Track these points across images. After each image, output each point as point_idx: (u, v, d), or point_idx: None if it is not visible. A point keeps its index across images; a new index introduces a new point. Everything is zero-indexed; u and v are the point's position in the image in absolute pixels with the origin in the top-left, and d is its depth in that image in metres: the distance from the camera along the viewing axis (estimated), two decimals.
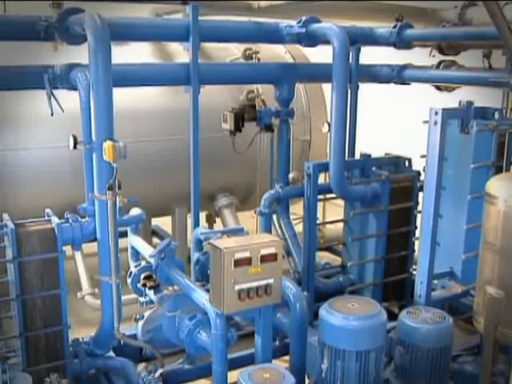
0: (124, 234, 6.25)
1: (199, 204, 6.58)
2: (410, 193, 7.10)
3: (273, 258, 4.53)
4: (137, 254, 6.36)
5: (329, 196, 7.25)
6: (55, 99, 5.77)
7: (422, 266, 6.14)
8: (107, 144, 4.94)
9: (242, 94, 8.01)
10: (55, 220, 5.40)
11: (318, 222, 7.11)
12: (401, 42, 7.26)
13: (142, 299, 6.00)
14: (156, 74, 6.54)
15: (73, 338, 5.92)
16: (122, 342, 6.26)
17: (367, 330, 4.33)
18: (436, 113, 5.83)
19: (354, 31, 7.19)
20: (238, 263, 4.39)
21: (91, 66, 5.04)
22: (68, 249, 6.27)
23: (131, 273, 6.12)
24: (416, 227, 7.23)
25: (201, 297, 4.93)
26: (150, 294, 5.87)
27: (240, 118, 6.99)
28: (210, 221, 9.59)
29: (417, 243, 7.01)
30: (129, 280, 6.13)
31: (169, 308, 5.30)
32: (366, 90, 7.80)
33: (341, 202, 7.80)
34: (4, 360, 4.43)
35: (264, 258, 4.48)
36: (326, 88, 8.95)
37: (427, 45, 7.79)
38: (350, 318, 4.35)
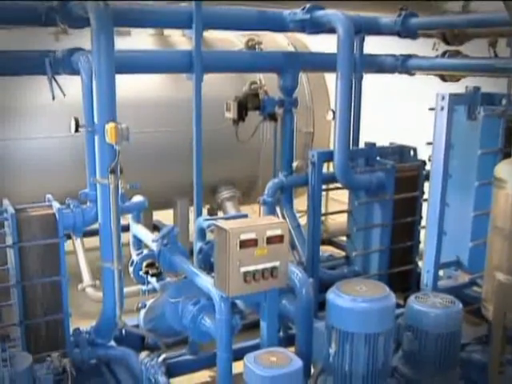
0: (125, 229, 6.16)
1: (202, 194, 6.47)
2: (416, 182, 7.01)
3: (279, 239, 4.44)
4: (139, 243, 6.26)
5: (333, 186, 7.17)
6: (57, 83, 5.67)
7: (429, 255, 6.06)
8: (110, 126, 4.86)
9: (244, 85, 7.90)
10: (56, 205, 5.31)
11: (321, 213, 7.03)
12: (405, 31, 7.18)
13: (144, 287, 5.92)
14: (158, 61, 6.43)
15: (74, 328, 5.83)
16: (123, 332, 6.19)
17: (376, 312, 4.23)
18: (443, 98, 5.75)
19: (358, 20, 7.09)
20: (244, 244, 4.29)
21: (94, 48, 4.97)
22: (69, 243, 6.22)
23: (133, 261, 6.02)
24: (421, 217, 7.14)
25: (205, 281, 4.83)
26: (153, 281, 5.78)
27: (243, 107, 6.89)
28: (212, 214, 9.48)
29: (422, 233, 6.93)
30: (131, 269, 6.04)
31: (172, 294, 5.19)
32: (371, 80, 7.71)
33: (343, 197, 7.73)
34: (3, 339, 4.32)
35: (270, 240, 4.39)
36: (329, 79, 8.92)
37: (431, 35, 7.71)
38: (358, 299, 4.25)
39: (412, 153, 7.15)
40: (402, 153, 7.09)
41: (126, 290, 5.67)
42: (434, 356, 4.67)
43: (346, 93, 6.27)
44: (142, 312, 5.72)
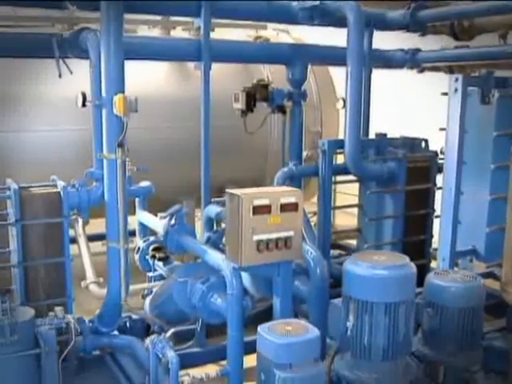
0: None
1: (210, 184, 6.31)
2: (428, 174, 6.85)
3: (293, 208, 4.28)
4: (145, 231, 6.09)
5: (344, 179, 7.03)
6: (64, 63, 5.58)
7: (444, 242, 5.86)
8: (118, 97, 4.75)
9: (252, 82, 7.82)
10: (61, 184, 5.16)
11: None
12: (415, 24, 7.11)
13: (150, 274, 5.73)
14: (167, 49, 6.37)
15: (77, 316, 5.60)
16: (127, 324, 5.98)
17: (396, 280, 4.02)
18: (456, 79, 5.64)
19: (367, 14, 7.05)
20: (257, 211, 4.13)
21: (102, 21, 4.89)
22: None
23: (139, 248, 5.85)
24: (434, 210, 6.97)
25: (215, 257, 4.65)
26: (160, 266, 5.59)
27: (252, 98, 6.79)
28: None
29: (436, 225, 6.75)
30: (136, 256, 5.87)
31: (180, 274, 4.99)
32: (381, 75, 7.64)
33: (353, 192, 7.57)
34: (4, 293, 4.13)
35: (284, 208, 4.23)
36: (336, 77, 8.85)
37: (440, 31, 7.66)
38: (377, 267, 4.05)
39: (423, 144, 7.01)
40: (413, 145, 6.95)
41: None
42: (455, 333, 4.45)
43: (356, 80, 6.15)
44: (148, 299, 5.52)
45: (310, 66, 7.11)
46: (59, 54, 5.51)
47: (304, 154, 6.81)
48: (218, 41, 6.52)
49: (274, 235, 4.21)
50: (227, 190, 4.29)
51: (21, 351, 2.96)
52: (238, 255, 4.16)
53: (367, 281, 4.03)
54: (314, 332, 3.85)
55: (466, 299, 4.42)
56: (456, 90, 5.62)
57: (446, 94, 5.77)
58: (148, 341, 5.01)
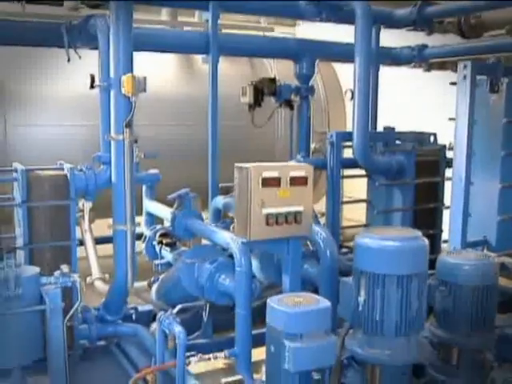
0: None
1: (218, 174, 6.26)
2: (437, 167, 6.78)
3: (303, 181, 4.22)
4: (151, 221, 6.03)
5: (352, 174, 6.97)
6: (74, 50, 5.58)
7: (454, 233, 5.80)
8: (126, 76, 4.74)
9: None
10: (68, 167, 5.12)
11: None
12: (421, 20, 7.10)
13: (156, 261, 5.66)
14: (175, 41, 6.40)
15: (82, 304, 5.52)
16: (133, 316, 5.88)
17: (408, 252, 3.93)
18: (465, 66, 5.64)
19: (374, 11, 7.07)
20: (266, 183, 4.07)
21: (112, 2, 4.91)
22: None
23: (146, 236, 5.79)
24: (444, 205, 6.88)
25: (223, 236, 4.59)
26: (166, 253, 5.52)
27: (259, 92, 6.77)
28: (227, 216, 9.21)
29: (446, 217, 6.67)
30: (143, 245, 5.80)
31: (187, 256, 4.92)
32: (388, 71, 7.64)
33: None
34: (9, 251, 4.05)
35: (294, 181, 4.17)
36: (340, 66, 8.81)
37: (447, 30, 7.66)
38: (389, 239, 3.96)
39: (432, 139, 6.95)
40: (421, 139, 6.89)
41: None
42: (469, 313, 4.32)
43: (365, 70, 6.13)
44: (155, 287, 5.44)
45: (317, 62, 7.12)
46: (68, 40, 5.52)
47: (312, 146, 6.76)
48: (227, 34, 6.55)
49: (283, 209, 4.15)
50: (236, 164, 4.24)
51: (25, 306, 2.89)
52: (246, 229, 4.09)
53: (379, 253, 3.94)
54: (325, 303, 3.76)
55: (480, 277, 4.31)
56: (465, 76, 5.60)
57: (454, 83, 5.76)
58: (153, 325, 4.96)
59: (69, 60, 5.51)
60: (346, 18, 6.63)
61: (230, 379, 3.93)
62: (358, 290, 4.08)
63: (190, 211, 5.19)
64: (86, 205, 7.16)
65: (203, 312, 5.44)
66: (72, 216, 5.08)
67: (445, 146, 6.82)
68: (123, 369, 5.13)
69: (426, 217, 6.82)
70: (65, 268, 3.52)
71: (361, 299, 4.04)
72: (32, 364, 4.81)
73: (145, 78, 4.76)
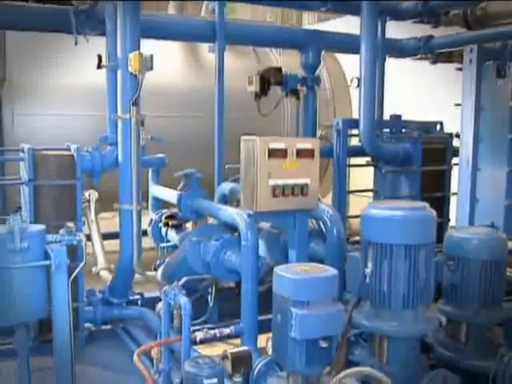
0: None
1: (224, 158, 6.27)
2: (444, 155, 6.77)
3: (309, 154, 4.22)
4: (157, 205, 6.02)
5: (358, 163, 6.97)
6: (83, 36, 5.62)
7: (461, 217, 5.78)
8: (134, 54, 4.76)
9: None
10: (74, 147, 5.12)
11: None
12: (427, 12, 7.13)
13: (162, 244, 5.64)
14: (182, 29, 6.44)
15: (88, 288, 5.52)
16: (139, 302, 5.85)
17: (416, 221, 3.89)
18: (471, 50, 5.65)
19: (379, 3, 7.10)
20: (273, 154, 4.07)
21: None
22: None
23: (151, 220, 5.79)
24: (450, 193, 6.86)
25: (229, 212, 4.56)
26: (172, 235, 5.50)
27: (266, 81, 6.79)
28: None
29: (453, 206, 6.65)
30: (149, 229, 5.79)
31: (193, 235, 4.90)
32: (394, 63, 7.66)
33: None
34: (16, 210, 4.04)
35: (300, 153, 4.17)
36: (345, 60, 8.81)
37: (452, 22, 7.68)
38: (396, 208, 3.94)
39: (438, 127, 6.94)
40: (427, 128, 6.89)
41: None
42: (477, 289, 4.28)
43: (371, 57, 6.14)
44: (160, 269, 5.41)
45: (323, 53, 7.14)
46: (76, 25, 5.55)
47: (318, 133, 6.76)
48: (233, 23, 6.58)
49: (290, 181, 4.14)
50: (243, 137, 4.24)
51: (30, 261, 2.88)
52: (253, 201, 4.09)
53: (386, 223, 3.90)
54: (333, 271, 3.73)
55: (488, 251, 4.27)
56: (471, 60, 5.61)
57: (460, 69, 5.76)
58: (159, 305, 4.93)
59: (76, 43, 5.53)
60: (352, 9, 6.69)
61: (236, 349, 3.89)
62: (365, 261, 4.05)
63: (196, 191, 5.18)
64: (92, 195, 7.20)
65: (208, 297, 5.42)
66: (78, 196, 5.07)
67: (451, 134, 6.81)
68: (129, 351, 5.08)
69: (433, 205, 6.71)
70: (70, 225, 3.50)
71: (368, 271, 4.00)
72: (37, 345, 4.87)
73: (151, 56, 4.77)
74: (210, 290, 5.53)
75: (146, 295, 5.89)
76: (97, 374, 4.70)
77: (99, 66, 5.05)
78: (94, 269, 7.28)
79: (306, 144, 4.20)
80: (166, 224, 5.47)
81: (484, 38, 6.84)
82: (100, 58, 5.07)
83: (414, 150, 6.53)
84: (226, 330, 4.30)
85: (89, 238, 6.61)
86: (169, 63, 8.07)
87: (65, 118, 7.31)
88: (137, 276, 5.28)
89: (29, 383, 3.66)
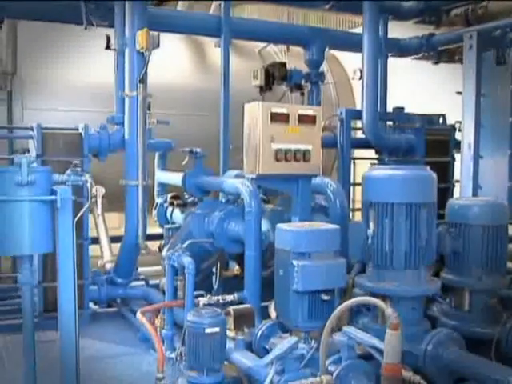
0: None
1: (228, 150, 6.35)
2: (446, 147, 6.83)
3: (311, 120, 4.30)
4: (163, 191, 6.09)
5: (362, 156, 7.04)
6: (93, 26, 5.77)
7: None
8: (141, 31, 4.90)
9: None
10: (82, 126, 5.23)
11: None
12: (429, 10, 7.30)
13: (167, 226, 5.69)
14: (187, 22, 6.59)
15: (93, 269, 5.57)
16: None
17: (416, 180, 3.94)
18: (470, 36, 5.76)
19: (381, 4, 7.27)
20: (275, 118, 4.16)
21: None
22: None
23: (157, 203, 5.85)
24: (454, 185, 6.89)
25: (232, 182, 4.64)
26: (177, 215, 5.56)
27: (270, 75, 6.92)
28: None
29: (456, 195, 6.68)
30: (154, 212, 5.86)
31: (198, 208, 4.97)
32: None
33: None
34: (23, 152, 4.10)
35: (302, 119, 4.25)
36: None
37: (454, 23, 7.82)
38: (397, 169, 4.01)
39: (441, 120, 7.02)
40: (430, 120, 6.96)
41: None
42: (479, 255, 4.29)
43: (373, 48, 6.27)
44: (166, 248, 5.45)
45: (327, 50, 7.29)
46: (86, 14, 5.72)
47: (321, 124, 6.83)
48: (239, 18, 6.75)
49: (292, 146, 4.21)
50: (246, 104, 4.33)
51: (37, 195, 2.94)
52: (256, 164, 4.15)
53: (387, 182, 3.96)
54: (333, 226, 3.78)
55: (490, 217, 4.29)
56: (471, 46, 5.71)
57: (461, 60, 5.86)
58: (163, 280, 4.96)
59: (86, 28, 5.68)
60: (354, 7, 6.85)
61: (238, 307, 3.91)
62: (367, 223, 4.08)
63: (201, 169, 5.26)
64: (99, 190, 7.26)
65: (213, 276, 5.43)
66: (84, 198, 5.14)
67: (454, 126, 6.88)
68: (134, 328, 5.10)
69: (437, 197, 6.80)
70: (77, 166, 3.58)
71: (370, 231, 4.04)
72: (42, 321, 4.91)
73: (158, 35, 4.91)
74: (213, 271, 5.57)
75: (151, 282, 5.93)
76: (101, 347, 4.72)
77: (108, 47, 5.19)
78: (99, 262, 7.34)
79: (307, 110, 4.29)
80: (171, 204, 5.53)
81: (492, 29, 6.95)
82: (108, 38, 5.21)
83: (416, 141, 6.59)
84: (230, 297, 4.32)
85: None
86: (177, 65, 8.21)
87: (74, 113, 7.39)
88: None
89: (33, 351, 3.67)
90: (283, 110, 4.18)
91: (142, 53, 4.93)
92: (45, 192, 3.02)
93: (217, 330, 3.45)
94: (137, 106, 5.01)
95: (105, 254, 7.30)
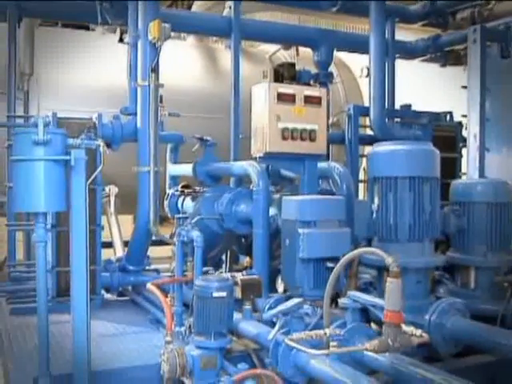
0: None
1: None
2: (454, 143, 6.91)
3: (317, 101, 4.43)
4: (174, 184, 6.22)
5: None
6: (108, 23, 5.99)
7: None
8: (154, 22, 5.07)
9: None
10: (96, 115, 5.40)
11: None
12: (435, 12, 7.46)
13: (178, 216, 5.79)
14: (198, 22, 6.81)
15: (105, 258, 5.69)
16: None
17: (419, 155, 4.05)
18: (474, 30, 5.89)
19: (387, 7, 7.44)
20: (282, 98, 4.30)
21: None
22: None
23: (168, 194, 5.98)
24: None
25: (241, 164, 4.77)
26: (188, 203, 5.67)
27: (280, 75, 7.09)
28: None
29: None
30: (166, 202, 5.98)
31: (208, 192, 5.09)
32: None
33: None
34: None
35: (308, 99, 4.39)
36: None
37: (460, 26, 7.96)
38: (401, 144, 4.12)
39: (448, 117, 7.12)
40: (437, 118, 7.06)
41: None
42: (484, 231, 4.37)
43: (380, 45, 6.41)
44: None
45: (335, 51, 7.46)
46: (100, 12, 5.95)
47: (329, 121, 6.97)
48: (249, 19, 6.94)
49: (298, 125, 4.33)
50: (253, 86, 4.48)
51: (52, 155, 3.08)
52: (263, 142, 4.28)
53: (391, 156, 4.07)
54: (338, 197, 3.88)
55: (493, 194, 4.38)
56: (475, 40, 5.84)
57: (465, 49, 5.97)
58: (173, 264, 5.05)
59: (100, 22, 5.88)
60: (361, 10, 7.01)
61: (246, 276, 3.98)
62: (372, 198, 4.18)
63: (211, 157, 5.39)
64: (112, 189, 7.44)
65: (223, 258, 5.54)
66: (97, 162, 5.28)
67: (461, 123, 6.97)
68: (145, 311, 5.17)
69: (444, 193, 6.86)
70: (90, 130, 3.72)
71: (374, 206, 4.13)
72: (56, 305, 5.01)
73: (170, 26, 5.08)
74: (223, 258, 5.67)
75: (162, 273, 6.02)
76: (111, 326, 4.80)
77: (121, 40, 5.38)
78: (112, 258, 7.46)
79: (313, 91, 4.42)
80: (182, 193, 5.65)
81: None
82: (122, 32, 5.40)
83: (423, 137, 6.68)
84: (238, 274, 4.40)
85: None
86: (189, 70, 8.44)
87: (88, 114, 7.61)
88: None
89: (47, 331, 3.78)
90: (290, 91, 4.32)
91: (154, 43, 5.09)
92: (60, 152, 3.16)
93: (224, 294, 3.53)
94: (149, 95, 5.15)
95: (117, 252, 7.45)
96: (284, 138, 4.28)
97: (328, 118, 7.31)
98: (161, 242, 7.38)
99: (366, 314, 3.57)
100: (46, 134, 3.06)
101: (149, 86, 5.16)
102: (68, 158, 3.14)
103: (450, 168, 6.93)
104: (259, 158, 4.36)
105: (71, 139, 3.27)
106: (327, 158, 7.15)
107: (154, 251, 6.74)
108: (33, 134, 3.06)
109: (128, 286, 5.76)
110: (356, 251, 3.18)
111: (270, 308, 3.94)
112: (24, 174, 3.12)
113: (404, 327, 3.01)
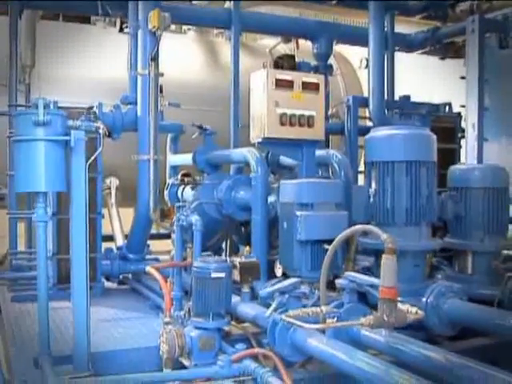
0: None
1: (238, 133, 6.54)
2: (453, 134, 6.92)
3: (315, 87, 4.45)
4: (174, 174, 6.25)
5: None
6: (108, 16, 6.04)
7: None
8: (153, 11, 5.12)
9: None
10: (97, 103, 5.44)
11: None
12: (434, 4, 7.49)
13: (178, 204, 5.83)
14: (199, 14, 6.85)
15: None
16: None
17: (415, 139, 4.08)
18: (473, 20, 5.92)
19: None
20: (280, 84, 4.31)
21: None
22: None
23: (168, 184, 6.02)
24: None
25: (240, 151, 4.81)
26: (188, 192, 5.71)
27: (279, 66, 7.11)
28: None
29: None
30: (166, 192, 6.02)
31: (207, 179, 5.13)
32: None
33: None
34: None
35: (306, 86, 4.40)
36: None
37: (460, 18, 7.99)
38: (398, 129, 4.16)
39: (447, 109, 7.14)
40: (437, 109, 7.08)
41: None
42: (481, 216, 4.40)
43: (379, 35, 6.44)
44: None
45: (334, 42, 7.49)
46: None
47: (329, 112, 7.00)
48: (248, 11, 6.99)
49: (296, 111, 4.36)
50: (251, 73, 4.51)
51: (52, 135, 3.12)
52: (261, 128, 4.30)
53: (388, 141, 4.11)
54: (335, 181, 3.91)
55: (490, 179, 4.41)
56: (473, 30, 5.87)
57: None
58: (172, 251, 5.10)
59: (101, 13, 5.92)
60: (359, 2, 7.05)
61: (244, 259, 4.02)
62: (369, 183, 4.21)
63: (211, 145, 5.43)
64: (113, 182, 7.49)
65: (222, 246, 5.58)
66: (98, 149, 5.31)
67: (460, 114, 7.00)
68: (145, 298, 5.22)
69: (442, 184, 6.89)
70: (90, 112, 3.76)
71: (372, 190, 4.16)
72: (56, 292, 5.05)
73: (169, 15, 5.12)
74: (223, 247, 5.70)
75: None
76: (111, 312, 4.84)
77: (121, 29, 5.42)
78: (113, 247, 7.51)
79: (311, 78, 4.45)
80: (182, 181, 5.69)
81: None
82: (122, 21, 5.45)
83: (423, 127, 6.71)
84: (237, 259, 4.43)
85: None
86: (190, 63, 8.48)
87: None
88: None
89: (47, 312, 3.81)
90: (287, 77, 4.35)
91: (154, 32, 5.14)
92: (60, 133, 3.20)
93: (222, 275, 3.57)
94: (149, 84, 5.20)
95: (118, 243, 7.49)
96: (282, 124, 4.30)
97: (327, 105, 7.43)
98: (161, 236, 7.49)
99: (365, 300, 3.62)
100: (46, 115, 3.10)
101: (149, 74, 5.21)
102: (68, 138, 3.17)
103: (449, 159, 6.94)
104: (258, 143, 4.39)
105: (71, 121, 3.31)
106: (326, 148, 7.23)
107: (153, 245, 6.81)
108: (33, 114, 3.11)
109: (128, 274, 5.81)
110: (352, 228, 3.21)
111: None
112: (25, 155, 3.16)
113: (400, 305, 3.04)
